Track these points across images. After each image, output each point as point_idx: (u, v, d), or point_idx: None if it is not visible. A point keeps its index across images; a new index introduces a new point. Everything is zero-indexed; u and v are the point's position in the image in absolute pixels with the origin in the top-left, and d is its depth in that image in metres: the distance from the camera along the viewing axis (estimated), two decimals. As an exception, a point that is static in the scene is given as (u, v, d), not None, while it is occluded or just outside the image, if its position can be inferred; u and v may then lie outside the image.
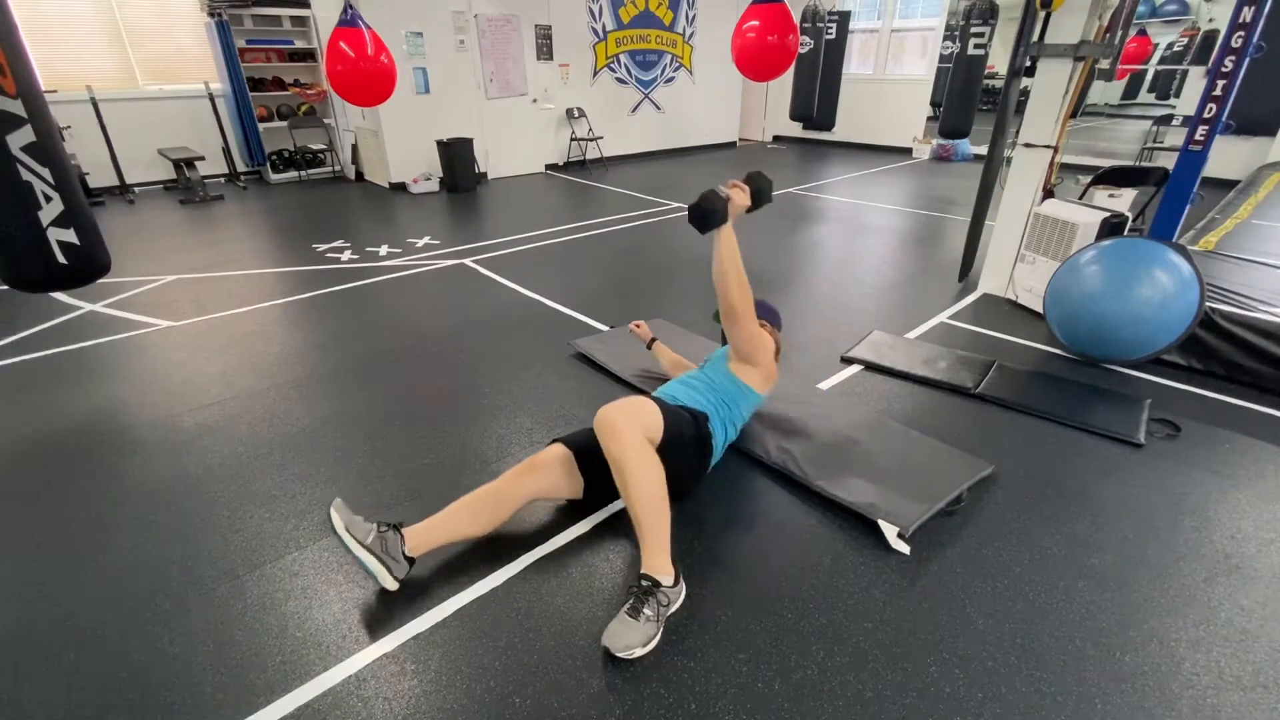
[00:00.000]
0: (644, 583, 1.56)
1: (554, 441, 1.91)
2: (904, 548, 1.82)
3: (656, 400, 1.89)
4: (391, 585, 1.63)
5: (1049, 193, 3.57)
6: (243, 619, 1.62)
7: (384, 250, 4.75)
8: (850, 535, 1.89)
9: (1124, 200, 3.73)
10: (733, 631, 1.57)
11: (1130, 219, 3.31)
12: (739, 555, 1.82)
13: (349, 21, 3.54)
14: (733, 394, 2.07)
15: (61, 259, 2.37)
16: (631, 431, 1.63)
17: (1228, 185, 5.78)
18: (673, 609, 1.60)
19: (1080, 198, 3.76)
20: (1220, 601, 1.66)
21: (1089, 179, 4.03)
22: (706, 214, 1.82)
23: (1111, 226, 3.11)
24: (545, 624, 1.59)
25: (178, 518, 1.98)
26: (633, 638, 1.48)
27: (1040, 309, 3.21)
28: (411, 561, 1.66)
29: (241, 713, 1.38)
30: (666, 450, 1.76)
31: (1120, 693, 1.41)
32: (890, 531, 1.84)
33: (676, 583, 1.62)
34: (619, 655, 1.47)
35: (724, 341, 2.25)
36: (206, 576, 1.75)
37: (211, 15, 6.26)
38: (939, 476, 2.06)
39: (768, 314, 2.29)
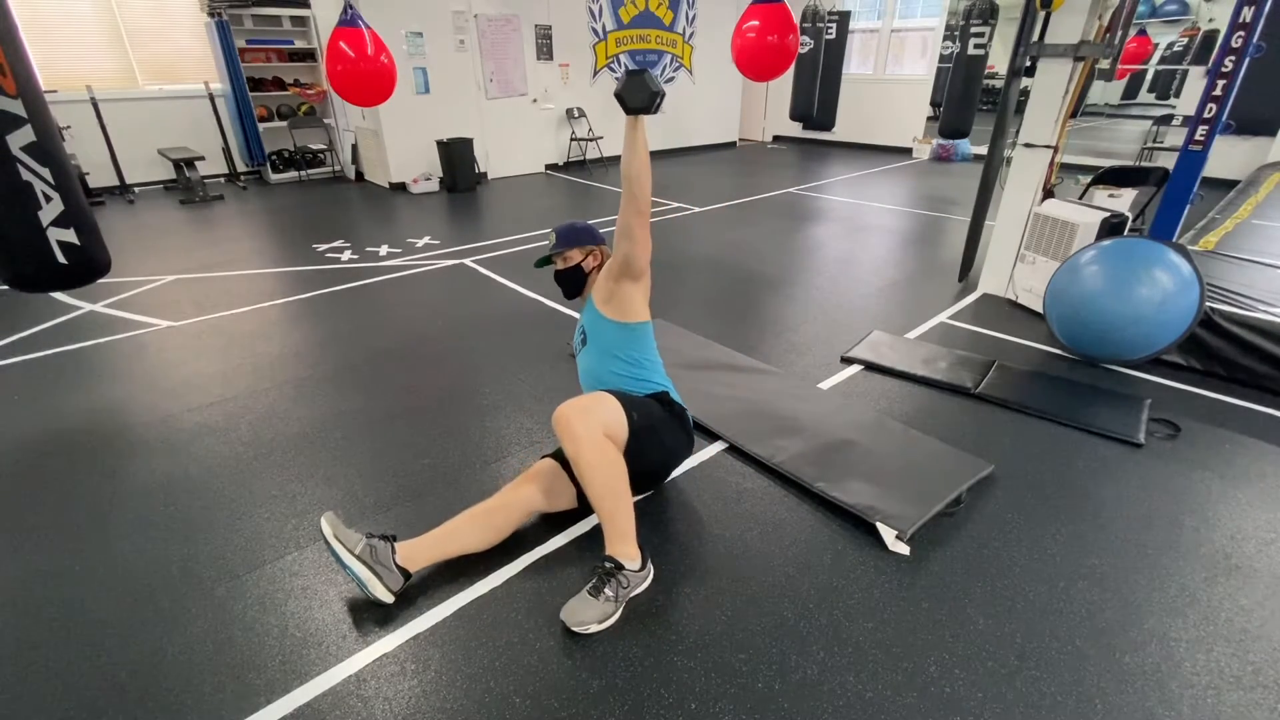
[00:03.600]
0: (607, 564, 1.61)
1: (543, 457, 1.94)
2: (904, 549, 1.82)
3: (619, 394, 1.79)
4: (385, 597, 1.60)
5: (1049, 193, 3.57)
6: (243, 619, 1.62)
7: (384, 250, 4.75)
8: (850, 535, 1.89)
9: (1124, 200, 3.72)
10: (733, 631, 1.57)
11: (1130, 219, 3.31)
12: (739, 555, 1.82)
13: (349, 21, 3.53)
14: (636, 349, 1.90)
15: (61, 259, 2.37)
16: (584, 427, 1.61)
17: (1228, 185, 5.78)
18: (635, 591, 1.64)
19: (1080, 198, 3.76)
20: (1220, 601, 1.66)
21: (1089, 179, 4.03)
22: (655, 95, 1.62)
23: (1111, 226, 3.11)
24: (545, 624, 1.59)
25: (178, 518, 1.99)
26: (589, 614, 1.54)
27: (1040, 309, 3.21)
28: (407, 575, 1.64)
29: (241, 713, 1.38)
30: (649, 436, 1.77)
31: (1120, 693, 1.41)
32: (889, 534, 1.84)
33: (643, 567, 1.66)
34: (574, 630, 1.53)
35: (570, 291, 2.07)
36: (206, 576, 1.75)
37: (211, 15, 6.26)
38: (938, 477, 2.06)
39: (597, 237, 2.10)
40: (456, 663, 1.49)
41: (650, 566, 1.70)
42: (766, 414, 2.44)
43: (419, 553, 1.67)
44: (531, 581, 1.73)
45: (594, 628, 1.55)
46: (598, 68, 8.21)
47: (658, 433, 1.83)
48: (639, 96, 1.63)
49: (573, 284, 2.05)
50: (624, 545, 1.63)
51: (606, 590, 1.57)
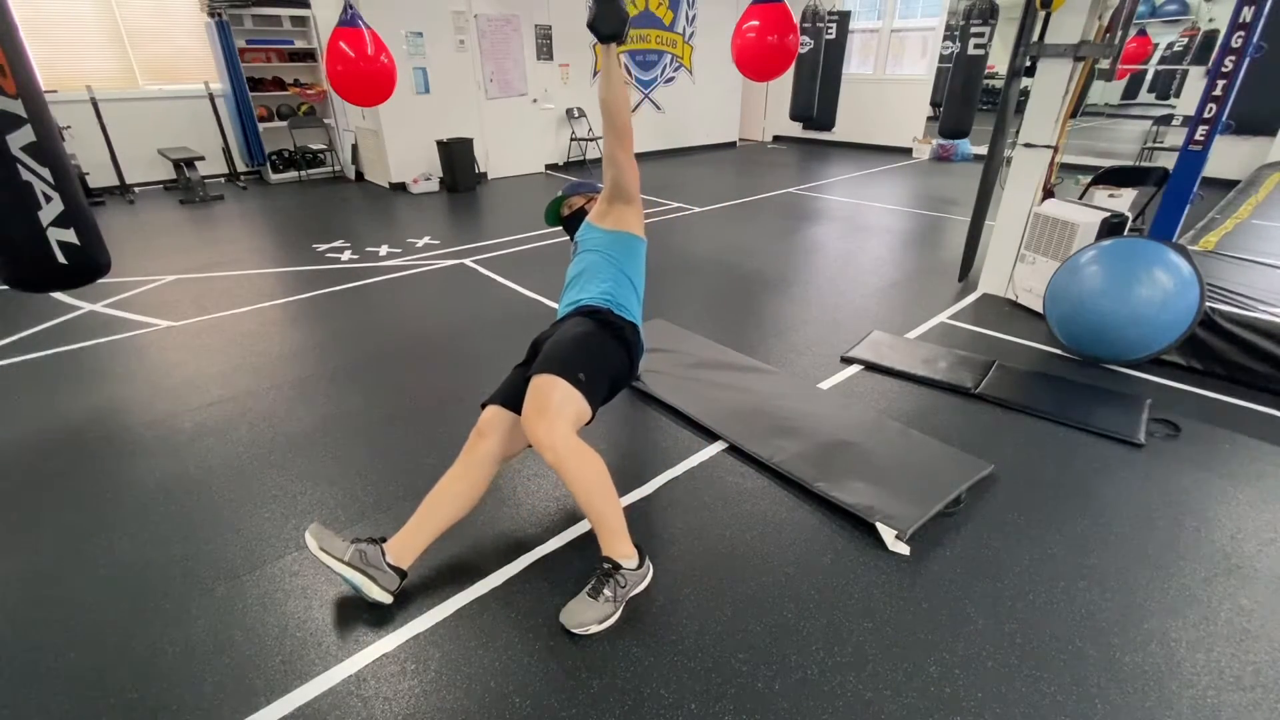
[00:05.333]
0: (605, 565, 1.60)
1: (484, 405, 1.81)
2: (903, 549, 1.82)
3: (550, 350, 1.74)
4: (383, 598, 1.59)
5: (1049, 193, 3.57)
6: (243, 619, 1.62)
7: (384, 250, 4.75)
8: (850, 535, 1.89)
9: (1124, 200, 3.72)
10: (733, 631, 1.57)
11: (1130, 219, 3.31)
12: (739, 555, 1.82)
13: (349, 21, 3.54)
14: (623, 249, 1.98)
15: (61, 259, 2.37)
16: (555, 436, 1.54)
17: (1228, 185, 5.78)
18: (635, 590, 1.64)
19: (1080, 198, 3.75)
20: (1220, 601, 1.66)
21: (1089, 179, 4.03)
22: (626, 21, 1.70)
23: (1111, 226, 3.11)
24: (545, 624, 1.59)
25: (178, 518, 1.99)
26: (589, 616, 1.54)
27: (1040, 309, 3.21)
28: (403, 574, 1.63)
29: (241, 713, 1.38)
30: (597, 382, 1.71)
31: (1120, 693, 1.41)
32: (888, 534, 1.84)
33: (640, 564, 1.65)
34: (574, 631, 1.53)
35: (569, 229, 2.28)
36: (206, 576, 1.75)
37: (211, 15, 6.26)
38: (938, 477, 2.06)
39: (596, 188, 2.24)
40: (456, 663, 1.49)
41: (649, 564, 1.70)
42: (766, 414, 2.44)
43: (407, 544, 1.65)
44: (531, 581, 1.73)
45: (594, 629, 1.55)
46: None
47: (604, 373, 1.78)
48: (611, 23, 1.70)
49: (575, 226, 2.23)
50: (619, 544, 1.63)
51: (605, 591, 1.57)
